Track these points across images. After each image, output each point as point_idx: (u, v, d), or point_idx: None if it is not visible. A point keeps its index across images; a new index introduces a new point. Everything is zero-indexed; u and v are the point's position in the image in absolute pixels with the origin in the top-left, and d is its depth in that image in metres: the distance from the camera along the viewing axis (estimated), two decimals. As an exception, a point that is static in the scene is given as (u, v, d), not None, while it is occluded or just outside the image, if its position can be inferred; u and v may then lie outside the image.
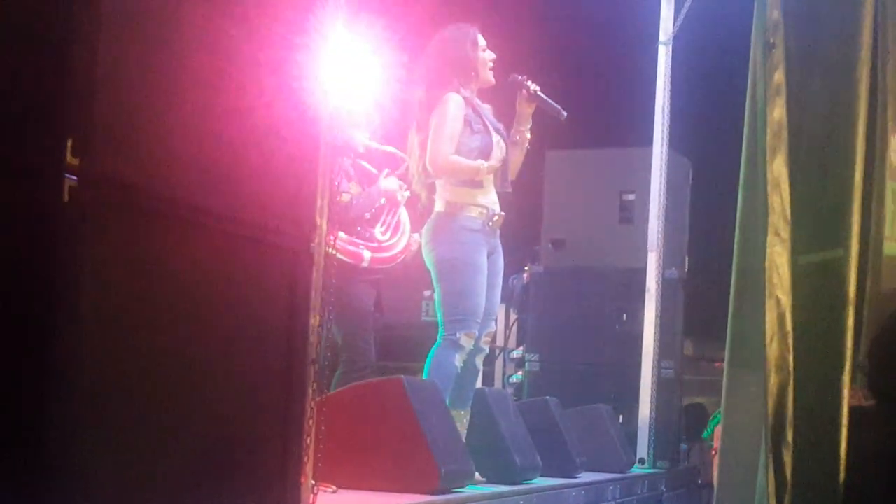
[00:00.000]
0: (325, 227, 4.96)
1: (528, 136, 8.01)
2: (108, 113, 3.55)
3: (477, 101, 7.72)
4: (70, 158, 3.35)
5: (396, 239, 8.63)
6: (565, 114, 7.97)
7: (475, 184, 7.61)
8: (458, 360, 7.55)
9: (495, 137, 7.67)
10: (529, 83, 7.83)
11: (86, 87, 3.46)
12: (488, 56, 7.83)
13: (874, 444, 3.55)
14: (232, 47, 4.24)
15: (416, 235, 8.49)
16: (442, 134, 7.42)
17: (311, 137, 4.79)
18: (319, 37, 4.81)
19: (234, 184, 4.27)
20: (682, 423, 13.02)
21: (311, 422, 4.99)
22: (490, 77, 7.80)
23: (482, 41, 7.83)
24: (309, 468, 5.02)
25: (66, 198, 3.35)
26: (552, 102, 7.98)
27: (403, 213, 8.62)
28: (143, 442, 3.81)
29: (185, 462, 4.07)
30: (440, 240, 7.63)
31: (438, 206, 7.68)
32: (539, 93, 7.85)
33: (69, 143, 3.35)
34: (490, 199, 7.74)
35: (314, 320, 4.93)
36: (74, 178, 3.36)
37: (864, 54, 3.55)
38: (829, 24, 3.57)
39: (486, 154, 7.61)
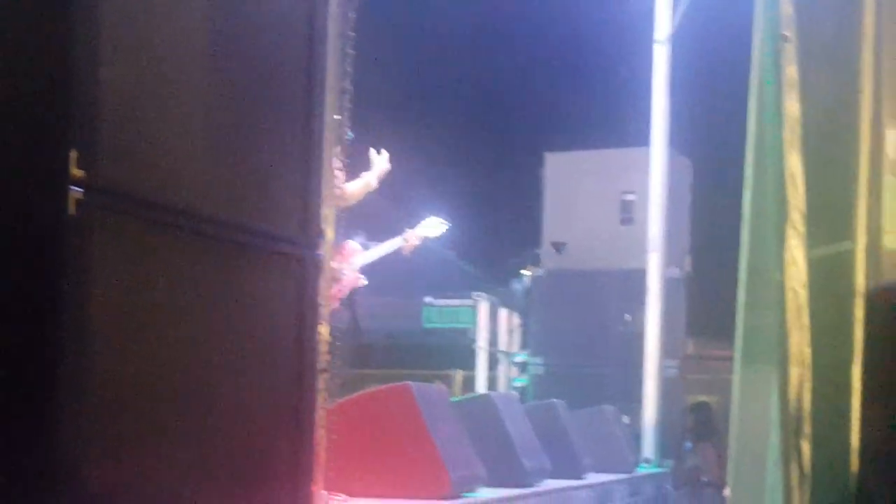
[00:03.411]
0: (331, 235, 4.95)
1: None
2: (112, 124, 3.54)
3: None
4: (75, 171, 3.34)
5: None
6: (351, 134, 8.17)
7: None
8: None
9: None
10: None
11: (89, 100, 3.45)
12: None
13: (880, 439, 3.56)
14: (237, 56, 4.23)
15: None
16: None
17: (316, 147, 4.78)
18: (325, 41, 4.80)
19: (241, 193, 4.26)
20: (687, 422, 13.04)
21: (321, 430, 4.97)
22: None
23: None
24: (320, 477, 5.01)
25: (72, 210, 3.34)
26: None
27: None
28: (154, 453, 3.80)
29: (197, 472, 4.06)
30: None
31: None
32: None
33: (74, 156, 3.34)
34: None
35: (323, 329, 4.91)
36: (80, 189, 3.34)
37: (867, 48, 3.55)
38: (833, 19, 3.57)
39: None
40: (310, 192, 4.74)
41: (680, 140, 11.41)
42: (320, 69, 4.81)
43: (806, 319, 3.37)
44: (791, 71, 3.38)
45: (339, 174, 8.20)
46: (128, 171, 3.63)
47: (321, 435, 5.00)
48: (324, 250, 4.87)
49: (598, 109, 13.20)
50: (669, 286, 11.20)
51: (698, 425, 13.70)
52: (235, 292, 4.21)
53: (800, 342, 3.35)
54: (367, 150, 8.22)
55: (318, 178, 4.80)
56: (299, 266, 4.68)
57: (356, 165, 8.48)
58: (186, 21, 3.97)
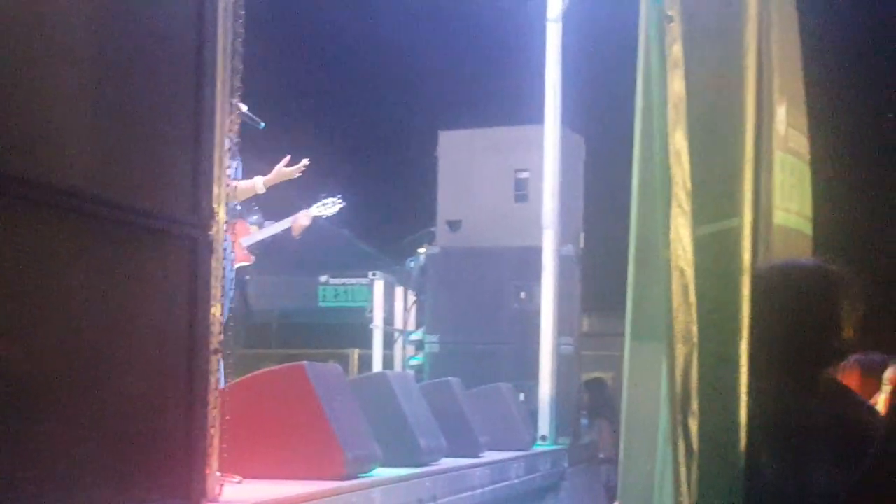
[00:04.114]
0: (223, 215, 4.92)
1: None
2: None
3: None
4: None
5: None
6: (262, 124, 8.42)
7: None
8: None
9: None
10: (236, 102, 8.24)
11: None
12: None
13: (766, 414, 3.62)
14: (124, 35, 4.19)
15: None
16: None
17: (207, 126, 4.75)
18: (215, 20, 4.77)
19: (129, 174, 4.23)
20: (584, 399, 13.14)
21: (215, 412, 4.95)
22: None
23: None
24: (214, 459, 4.99)
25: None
26: (252, 115, 8.32)
27: None
28: (41, 437, 3.76)
29: (89, 455, 4.03)
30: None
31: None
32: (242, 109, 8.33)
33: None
34: None
35: (216, 310, 4.89)
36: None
37: (751, 24, 3.59)
38: (718, -2, 3.61)
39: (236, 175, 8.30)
40: (200, 172, 4.72)
41: (573, 117, 11.46)
42: (210, 48, 4.78)
43: (692, 297, 3.40)
44: (676, 50, 3.40)
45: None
46: (9, 151, 3.59)
47: (214, 416, 4.98)
48: (215, 230, 4.85)
49: (491, 87, 13.24)
50: (564, 263, 11.25)
51: (594, 402, 13.84)
52: (124, 273, 4.19)
53: (686, 320, 3.38)
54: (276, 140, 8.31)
55: (209, 159, 4.78)
56: (190, 246, 4.66)
57: (265, 154, 8.52)
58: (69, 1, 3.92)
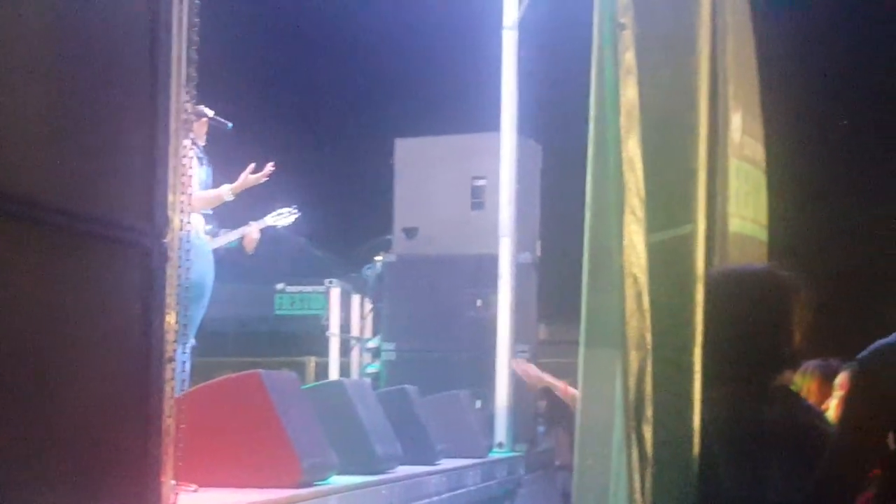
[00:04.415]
0: (178, 222, 4.90)
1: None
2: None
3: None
4: None
5: None
6: (230, 125, 8.66)
7: None
8: None
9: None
10: (203, 109, 8.47)
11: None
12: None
13: (720, 421, 3.63)
14: (76, 41, 4.17)
15: None
16: None
17: (161, 134, 4.73)
18: (170, 27, 4.75)
19: (82, 181, 4.20)
20: (541, 406, 13.14)
21: (170, 420, 4.93)
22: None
23: None
24: (169, 467, 4.96)
25: None
26: (219, 118, 8.58)
27: None
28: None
29: (42, 466, 4.00)
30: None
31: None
32: (209, 115, 8.56)
33: None
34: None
35: (170, 318, 4.87)
36: None
37: (704, 31, 3.61)
38: (671, 5, 3.62)
39: (208, 185, 8.48)
40: (155, 180, 4.69)
41: (529, 125, 11.49)
42: (164, 57, 4.76)
43: (646, 304, 3.41)
44: (628, 57, 3.41)
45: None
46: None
47: (169, 425, 4.95)
48: (170, 238, 4.82)
49: (448, 95, 13.25)
50: (521, 271, 11.27)
51: (551, 409, 13.84)
52: (76, 282, 4.16)
53: (640, 326, 3.39)
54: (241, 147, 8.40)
55: (163, 166, 4.75)
56: (144, 255, 4.63)
57: (232, 159, 8.56)
58: (20, 6, 3.90)
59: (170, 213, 4.77)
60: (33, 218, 3.89)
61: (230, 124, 8.56)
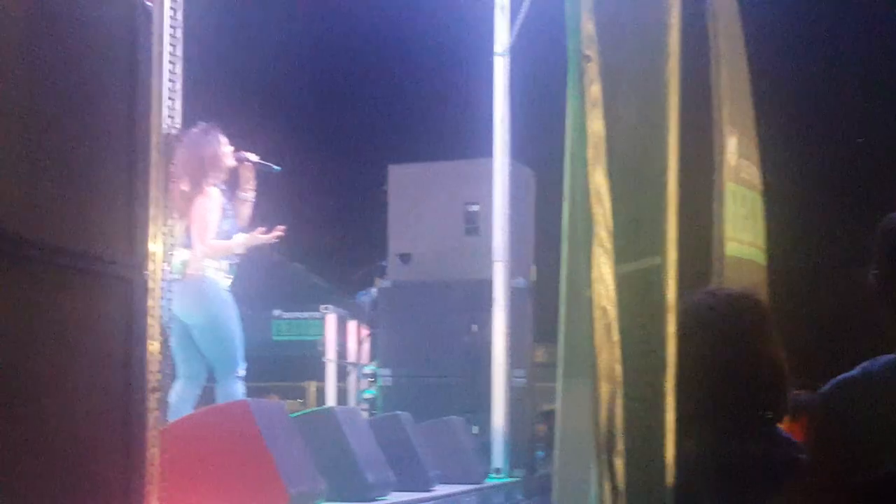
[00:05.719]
0: (160, 253, 4.92)
1: (253, 193, 8.94)
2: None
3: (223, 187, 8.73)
4: None
5: None
6: (278, 168, 9.02)
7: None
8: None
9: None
10: (247, 155, 8.84)
11: None
12: (229, 150, 8.77)
13: (697, 451, 3.60)
14: (56, 73, 4.19)
15: None
16: (208, 222, 8.48)
17: (142, 166, 4.75)
18: (150, 52, 4.77)
19: (63, 214, 4.22)
20: (539, 431, 13.11)
21: (154, 451, 4.94)
22: (231, 164, 8.79)
23: (223, 138, 8.75)
24: (153, 497, 4.97)
25: None
26: (265, 162, 8.93)
27: None
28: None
29: (25, 497, 4.01)
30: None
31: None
32: (254, 160, 8.87)
33: None
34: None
35: (153, 347, 4.88)
36: None
37: (672, 63, 3.60)
38: (635, 34, 3.62)
39: (230, 234, 8.67)
40: (136, 212, 4.72)
41: (522, 151, 11.50)
42: (144, 87, 4.79)
43: (616, 336, 3.40)
44: (594, 90, 3.42)
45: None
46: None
47: (154, 454, 4.96)
48: (152, 268, 4.84)
49: (440, 121, 13.27)
50: (515, 296, 11.27)
51: (550, 434, 13.81)
52: (56, 316, 4.17)
53: (609, 358, 3.38)
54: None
55: (144, 198, 4.78)
56: (125, 287, 4.65)
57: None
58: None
59: (151, 244, 4.79)
60: (11, 253, 3.91)
61: (277, 167, 8.89)
